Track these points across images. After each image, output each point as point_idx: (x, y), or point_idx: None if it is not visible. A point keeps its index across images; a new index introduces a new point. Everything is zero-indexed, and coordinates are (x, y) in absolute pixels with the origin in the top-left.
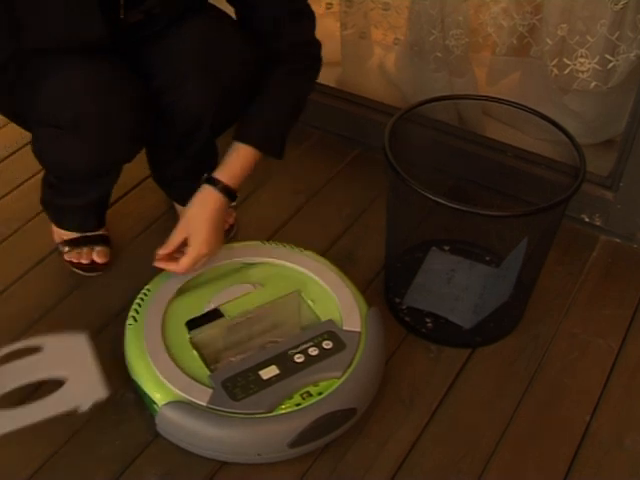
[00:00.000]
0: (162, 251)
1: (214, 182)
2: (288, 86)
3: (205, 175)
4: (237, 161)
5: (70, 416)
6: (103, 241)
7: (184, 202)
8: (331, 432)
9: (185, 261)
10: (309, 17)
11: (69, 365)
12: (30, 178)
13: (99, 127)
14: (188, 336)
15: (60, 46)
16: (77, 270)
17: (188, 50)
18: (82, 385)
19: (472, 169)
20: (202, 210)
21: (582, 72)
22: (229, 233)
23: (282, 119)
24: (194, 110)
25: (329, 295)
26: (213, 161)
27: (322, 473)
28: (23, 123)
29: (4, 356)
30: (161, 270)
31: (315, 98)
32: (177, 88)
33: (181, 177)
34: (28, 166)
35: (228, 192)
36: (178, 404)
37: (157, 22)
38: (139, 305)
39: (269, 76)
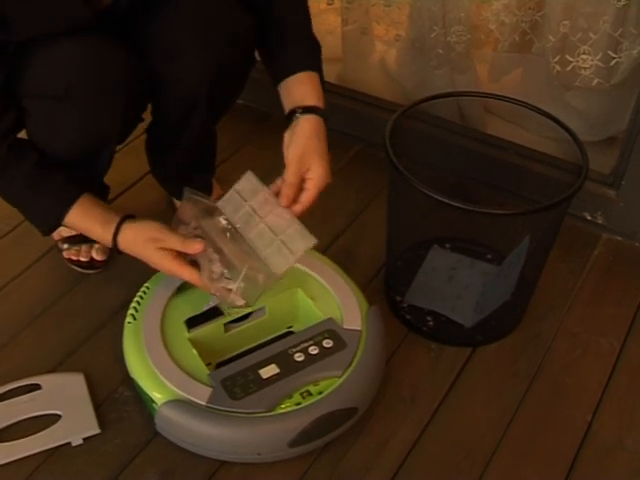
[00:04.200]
0: (286, 202)
1: (311, 109)
2: (302, 13)
3: (292, 109)
4: (314, 86)
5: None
6: None
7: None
8: (331, 431)
9: (311, 193)
10: None
11: (65, 402)
12: None
13: (90, 95)
14: (187, 334)
15: (49, 33)
16: (76, 268)
17: (180, 22)
18: (76, 421)
19: (473, 166)
20: (315, 138)
21: (585, 69)
22: None
23: (315, 42)
24: (189, 84)
25: (329, 293)
26: (211, 155)
27: (322, 473)
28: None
29: (6, 392)
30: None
31: None
32: (171, 61)
33: (180, 172)
34: None
35: (324, 114)
36: (177, 403)
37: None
38: (138, 303)
39: (280, 12)
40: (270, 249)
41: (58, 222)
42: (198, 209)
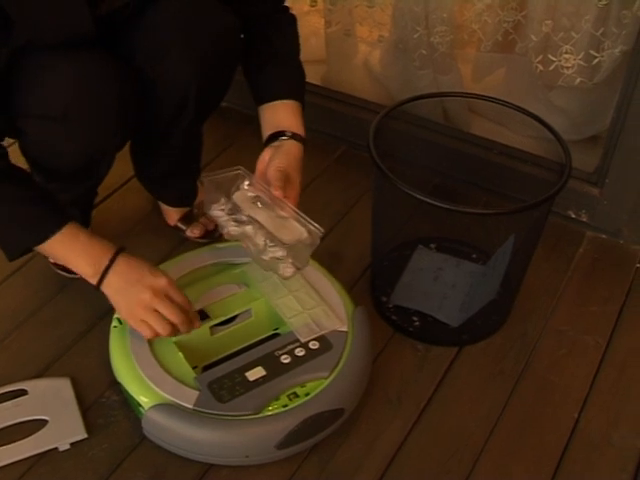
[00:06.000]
0: (278, 191)
1: (297, 138)
2: (291, 39)
3: (281, 130)
4: (300, 117)
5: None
6: None
7: (168, 201)
8: (319, 433)
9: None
10: None
11: (52, 407)
12: None
13: (88, 114)
14: (173, 337)
15: (50, 42)
16: (61, 272)
17: (166, 23)
18: (62, 426)
19: (458, 166)
20: (296, 160)
21: (567, 68)
22: (214, 233)
23: (301, 71)
24: (178, 84)
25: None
26: (197, 157)
27: (310, 474)
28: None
29: None
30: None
31: None
32: (158, 62)
33: (166, 174)
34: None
35: (305, 142)
36: (164, 407)
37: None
38: None
39: (269, 35)
40: (295, 318)
41: (26, 253)
42: (222, 187)
